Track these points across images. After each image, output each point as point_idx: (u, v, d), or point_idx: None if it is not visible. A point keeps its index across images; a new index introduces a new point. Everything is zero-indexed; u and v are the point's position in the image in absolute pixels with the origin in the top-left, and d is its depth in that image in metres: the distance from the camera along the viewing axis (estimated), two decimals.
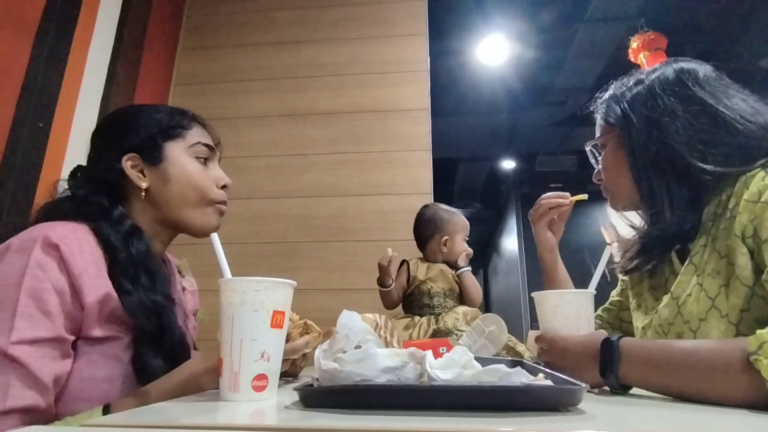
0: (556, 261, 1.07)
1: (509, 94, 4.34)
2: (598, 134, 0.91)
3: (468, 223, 1.67)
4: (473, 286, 1.55)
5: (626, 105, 0.83)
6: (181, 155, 0.84)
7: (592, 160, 0.94)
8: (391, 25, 2.23)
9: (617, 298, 1.00)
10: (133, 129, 0.83)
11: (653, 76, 0.83)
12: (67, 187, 0.83)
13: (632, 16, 3.35)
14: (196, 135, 0.86)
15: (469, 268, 1.58)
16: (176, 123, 0.85)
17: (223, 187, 0.87)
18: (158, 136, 0.83)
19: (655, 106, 0.79)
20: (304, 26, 2.27)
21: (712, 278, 0.69)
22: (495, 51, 3.80)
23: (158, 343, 0.73)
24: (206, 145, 0.86)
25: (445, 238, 1.60)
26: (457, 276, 1.56)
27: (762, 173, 0.67)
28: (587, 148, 0.94)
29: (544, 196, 1.07)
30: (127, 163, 0.80)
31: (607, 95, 0.90)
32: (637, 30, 3.24)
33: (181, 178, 0.82)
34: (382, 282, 1.52)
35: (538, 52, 3.82)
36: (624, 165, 0.83)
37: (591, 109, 0.94)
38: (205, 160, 0.86)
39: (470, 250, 1.61)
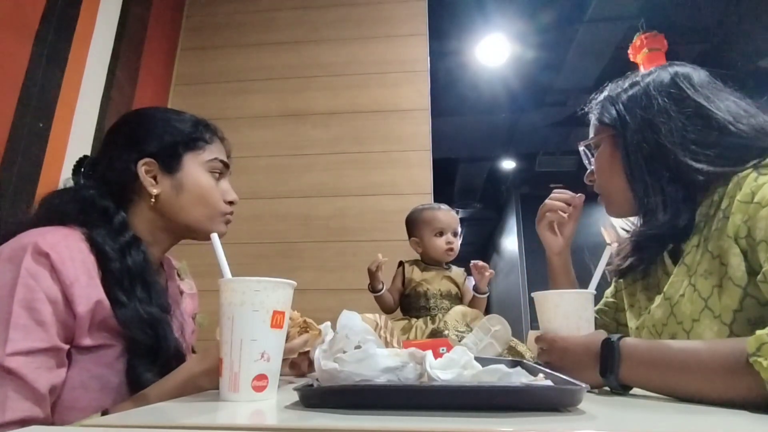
0: (565, 265, 1.03)
1: (509, 94, 4.34)
2: (592, 134, 0.91)
3: (437, 215, 1.56)
4: (479, 308, 1.52)
5: (621, 106, 0.84)
6: (197, 168, 0.83)
7: (585, 161, 0.94)
8: (391, 25, 2.23)
9: (612, 300, 0.99)
10: (156, 134, 0.82)
11: (648, 79, 0.83)
12: (73, 182, 0.82)
13: (632, 16, 3.34)
14: (215, 150, 0.86)
15: (485, 295, 1.52)
16: (199, 135, 0.85)
17: (231, 202, 0.87)
18: (180, 145, 0.83)
19: (649, 107, 0.80)
20: (304, 26, 2.27)
21: (704, 279, 0.69)
22: (495, 51, 3.80)
23: (153, 356, 0.72)
24: (222, 161, 0.87)
25: (414, 239, 1.59)
26: (473, 296, 1.53)
27: (754, 174, 0.67)
28: (580, 148, 0.94)
29: (549, 197, 1.03)
30: (143, 168, 0.80)
31: (601, 96, 0.90)
32: (637, 30, 3.24)
33: (193, 190, 0.82)
34: (372, 287, 1.52)
35: (538, 52, 3.82)
36: (618, 165, 0.84)
37: (586, 110, 0.94)
38: (219, 175, 0.87)
39: (446, 246, 1.51)
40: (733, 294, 0.65)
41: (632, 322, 0.86)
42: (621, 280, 0.93)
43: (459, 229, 1.59)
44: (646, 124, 0.80)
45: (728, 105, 0.77)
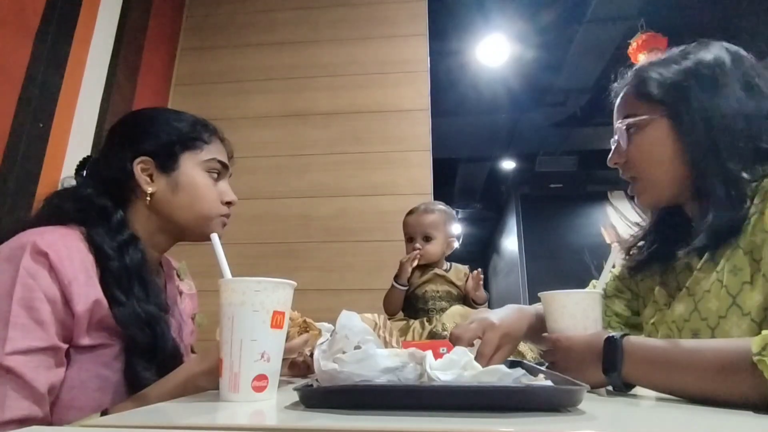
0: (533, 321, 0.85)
1: (509, 94, 4.34)
2: (629, 111, 0.79)
3: (406, 221, 1.56)
4: None
5: (676, 78, 0.75)
6: (194, 168, 0.83)
7: (623, 141, 0.80)
8: (391, 25, 2.23)
9: (627, 285, 0.92)
10: (153, 133, 0.82)
11: (708, 55, 0.75)
12: (74, 181, 0.82)
13: (632, 16, 3.35)
14: (213, 150, 0.86)
15: (482, 305, 1.51)
16: (197, 135, 0.84)
17: (228, 203, 0.87)
18: (176, 144, 0.82)
19: (716, 88, 0.72)
20: (304, 26, 2.27)
21: (733, 275, 0.67)
22: (495, 51, 3.80)
23: (151, 355, 0.72)
24: (221, 162, 0.86)
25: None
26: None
27: None
28: (621, 126, 0.79)
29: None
30: (138, 167, 0.80)
31: (640, 66, 0.80)
32: (637, 30, 3.24)
33: (189, 190, 0.82)
34: (399, 281, 1.49)
35: (538, 52, 3.82)
36: (674, 150, 0.74)
37: (614, 84, 0.84)
38: (217, 176, 0.86)
39: (412, 251, 1.51)
40: (765, 290, 0.63)
41: (648, 318, 0.83)
42: (625, 274, 0.90)
43: (433, 232, 1.53)
44: (712, 107, 0.71)
45: None
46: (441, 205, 1.64)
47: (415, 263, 1.49)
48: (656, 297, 0.82)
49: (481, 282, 1.51)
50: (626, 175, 0.82)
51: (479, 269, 1.54)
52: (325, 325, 0.76)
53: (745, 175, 0.69)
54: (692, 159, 0.73)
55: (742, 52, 0.76)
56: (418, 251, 1.50)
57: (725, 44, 0.77)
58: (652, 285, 0.85)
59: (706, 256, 0.72)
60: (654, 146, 0.76)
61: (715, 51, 0.76)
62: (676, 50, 0.79)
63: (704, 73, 0.74)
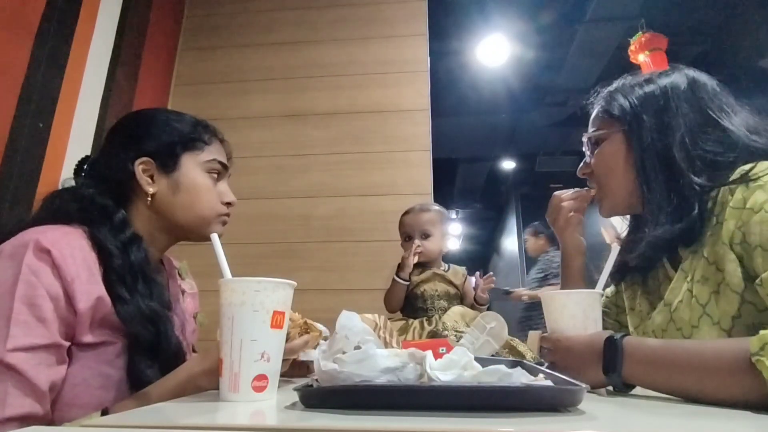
0: (584, 266, 1.01)
1: (509, 94, 4.34)
2: (595, 126, 0.88)
3: (403, 220, 1.58)
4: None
5: (636, 101, 0.82)
6: (194, 168, 0.84)
7: (587, 152, 0.90)
8: (391, 26, 2.23)
9: (612, 302, 0.97)
10: (154, 133, 0.83)
11: (666, 81, 0.82)
12: (73, 182, 0.82)
13: (632, 16, 3.35)
14: (213, 151, 0.86)
15: (485, 306, 1.53)
16: (198, 136, 0.85)
17: (228, 204, 0.87)
18: (177, 145, 0.83)
19: (666, 110, 0.78)
20: (304, 27, 2.27)
21: (701, 285, 0.69)
22: (495, 51, 3.80)
23: (154, 352, 0.72)
24: (221, 162, 0.87)
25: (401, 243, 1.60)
26: (472, 304, 1.54)
27: (743, 186, 0.67)
28: (584, 139, 0.90)
29: (561, 198, 0.99)
30: (140, 167, 0.80)
31: (611, 88, 0.88)
32: (637, 30, 3.24)
33: (190, 190, 0.82)
34: (401, 275, 1.50)
35: (538, 52, 3.82)
36: (625, 162, 0.82)
37: (590, 100, 0.91)
38: (217, 176, 0.87)
39: (413, 250, 1.52)
40: (731, 300, 0.65)
41: (633, 326, 0.86)
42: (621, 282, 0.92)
43: (430, 229, 1.55)
44: (661, 126, 0.78)
45: (744, 117, 0.76)
46: (436, 206, 1.66)
47: (416, 259, 1.50)
48: (639, 305, 0.85)
49: (493, 286, 1.53)
50: (591, 185, 0.91)
51: (491, 273, 1.56)
52: (320, 327, 0.76)
53: (696, 186, 0.72)
54: (638, 170, 0.80)
55: (703, 78, 0.82)
56: (419, 245, 1.51)
57: (687, 71, 0.83)
58: (635, 294, 0.87)
59: (680, 266, 0.75)
60: (610, 158, 0.84)
61: (674, 77, 0.82)
62: (646, 74, 0.86)
63: (657, 96, 0.80)
